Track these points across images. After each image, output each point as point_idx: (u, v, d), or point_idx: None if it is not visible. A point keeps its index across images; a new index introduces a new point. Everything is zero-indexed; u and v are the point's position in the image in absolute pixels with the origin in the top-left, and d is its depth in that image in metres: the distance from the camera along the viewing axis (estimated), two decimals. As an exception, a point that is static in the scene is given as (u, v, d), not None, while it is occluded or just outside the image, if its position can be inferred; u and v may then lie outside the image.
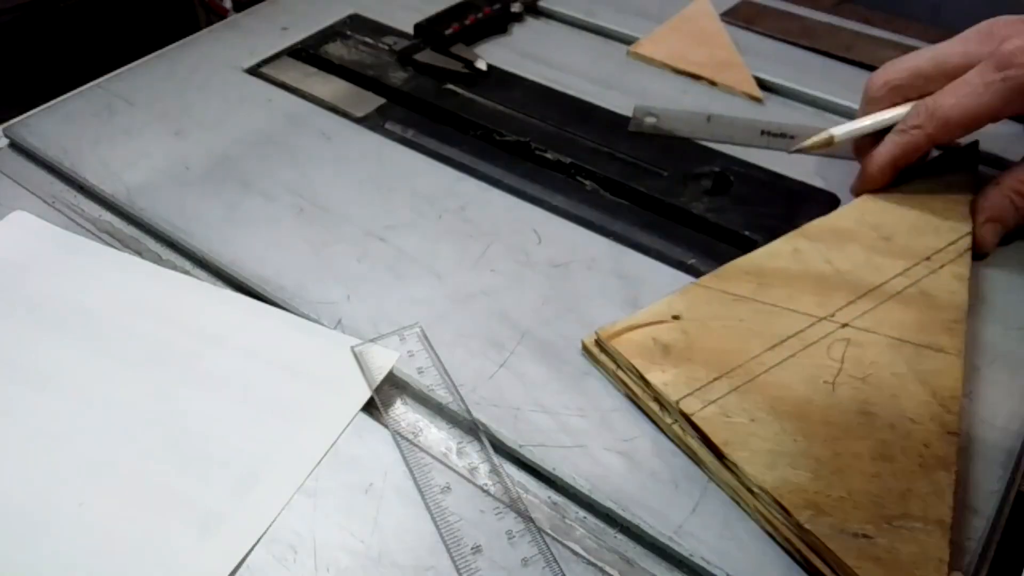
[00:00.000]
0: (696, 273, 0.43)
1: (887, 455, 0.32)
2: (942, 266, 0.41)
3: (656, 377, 0.35)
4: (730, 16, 0.65)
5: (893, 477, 0.32)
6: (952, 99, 0.42)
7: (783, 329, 0.37)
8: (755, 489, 0.32)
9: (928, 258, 0.41)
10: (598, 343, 0.38)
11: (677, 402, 0.34)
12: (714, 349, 0.37)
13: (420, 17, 0.62)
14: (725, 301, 0.39)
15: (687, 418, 0.34)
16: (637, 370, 0.36)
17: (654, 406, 0.36)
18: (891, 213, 0.44)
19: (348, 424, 0.36)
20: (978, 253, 0.43)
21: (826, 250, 0.42)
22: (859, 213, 0.44)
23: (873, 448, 0.33)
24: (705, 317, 0.38)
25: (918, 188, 0.46)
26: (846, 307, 0.38)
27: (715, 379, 0.35)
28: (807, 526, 0.30)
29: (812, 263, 0.41)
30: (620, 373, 0.37)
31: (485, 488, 0.34)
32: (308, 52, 0.61)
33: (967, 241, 0.42)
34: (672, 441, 0.35)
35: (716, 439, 0.33)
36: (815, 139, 0.47)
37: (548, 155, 0.52)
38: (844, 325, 0.37)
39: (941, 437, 0.33)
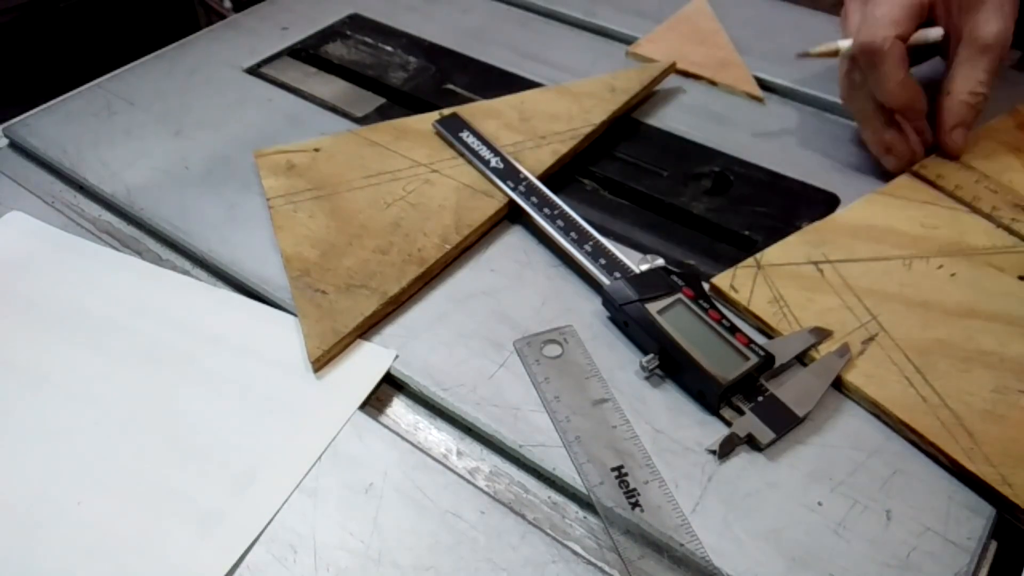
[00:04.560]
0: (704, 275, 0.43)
1: (385, 250, 0.43)
2: (548, 144, 0.49)
3: (268, 182, 0.47)
4: None
5: (377, 263, 0.42)
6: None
7: (385, 167, 0.48)
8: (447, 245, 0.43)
9: (543, 136, 0.50)
10: None
11: (270, 201, 0.45)
12: (322, 172, 0.47)
13: (420, 17, 0.62)
14: (362, 144, 0.49)
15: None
16: None
17: None
18: (545, 103, 0.53)
19: (346, 423, 0.36)
20: (951, 156, 0.48)
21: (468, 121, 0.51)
22: (520, 100, 0.53)
23: (378, 244, 0.43)
24: (337, 153, 0.49)
25: (585, 88, 0.54)
26: (448, 160, 0.48)
27: (308, 189, 0.46)
28: (292, 282, 0.41)
29: None
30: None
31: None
32: (308, 52, 0.61)
33: (585, 129, 0.50)
34: None
35: (277, 223, 0.44)
36: (822, 47, 0.49)
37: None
38: (434, 171, 0.47)
39: (437, 247, 0.43)
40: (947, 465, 0.34)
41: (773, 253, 0.43)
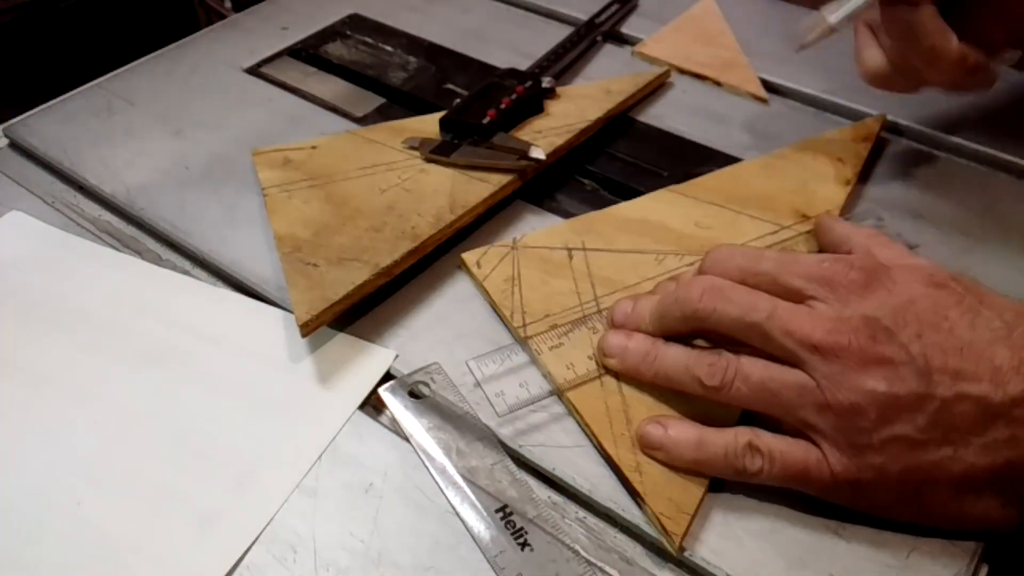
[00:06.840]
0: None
1: (378, 228, 0.43)
2: (544, 137, 0.49)
3: (264, 174, 0.47)
4: None
5: (370, 240, 0.42)
6: None
7: (381, 159, 0.48)
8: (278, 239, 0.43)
9: (539, 131, 0.50)
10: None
11: (265, 190, 0.46)
12: (319, 165, 0.48)
13: (421, 17, 0.62)
14: (360, 143, 0.49)
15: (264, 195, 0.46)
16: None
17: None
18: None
19: (346, 423, 0.36)
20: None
21: None
22: None
23: (372, 223, 0.43)
24: (334, 149, 0.49)
25: (581, 91, 0.54)
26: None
27: (303, 179, 0.46)
28: (284, 257, 0.41)
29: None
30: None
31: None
32: (308, 52, 0.61)
33: (580, 125, 0.50)
34: None
35: (270, 208, 0.44)
36: (815, 33, 0.46)
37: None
38: (429, 160, 0.47)
39: (431, 224, 0.43)
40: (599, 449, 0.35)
41: (534, 236, 0.44)
